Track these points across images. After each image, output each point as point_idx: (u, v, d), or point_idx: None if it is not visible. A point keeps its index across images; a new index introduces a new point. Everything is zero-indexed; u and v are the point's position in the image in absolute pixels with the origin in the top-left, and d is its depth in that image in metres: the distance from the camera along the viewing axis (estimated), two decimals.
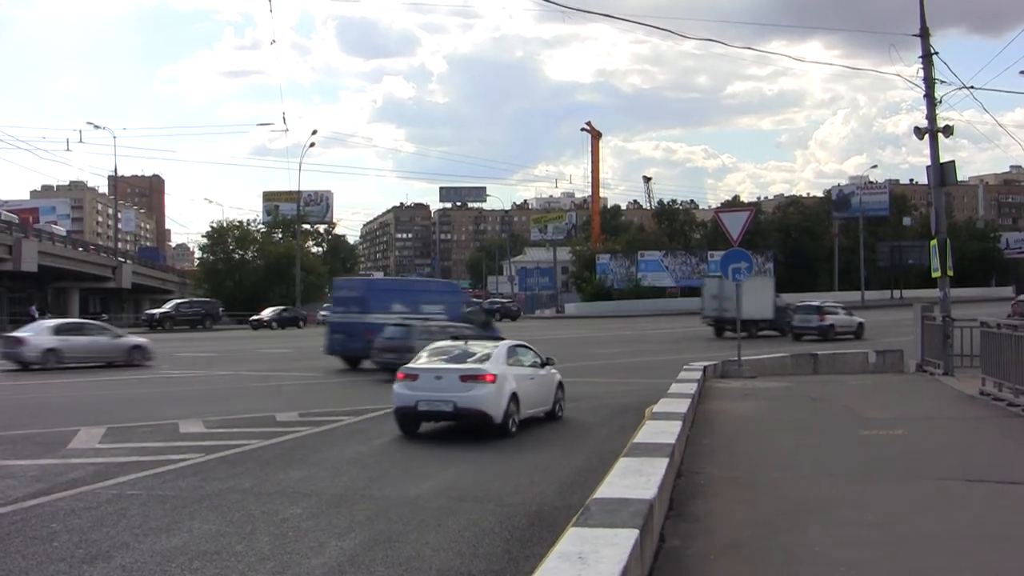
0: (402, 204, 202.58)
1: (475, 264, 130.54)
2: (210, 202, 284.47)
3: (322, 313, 64.30)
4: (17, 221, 59.11)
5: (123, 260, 70.38)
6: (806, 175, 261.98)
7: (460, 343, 13.30)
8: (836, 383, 16.79)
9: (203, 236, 75.35)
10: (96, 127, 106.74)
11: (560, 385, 13.86)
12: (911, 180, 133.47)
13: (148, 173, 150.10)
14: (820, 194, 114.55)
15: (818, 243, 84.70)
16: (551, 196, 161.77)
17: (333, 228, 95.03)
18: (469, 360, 12.32)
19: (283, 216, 79.80)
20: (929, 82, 17.74)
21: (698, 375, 14.74)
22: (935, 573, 5.32)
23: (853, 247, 74.73)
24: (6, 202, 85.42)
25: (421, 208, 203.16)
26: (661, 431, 8.00)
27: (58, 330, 24.65)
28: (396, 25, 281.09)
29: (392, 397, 12.29)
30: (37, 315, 54.41)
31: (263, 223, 79.99)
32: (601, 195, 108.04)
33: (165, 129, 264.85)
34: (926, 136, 17.64)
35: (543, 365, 13.56)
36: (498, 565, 6.14)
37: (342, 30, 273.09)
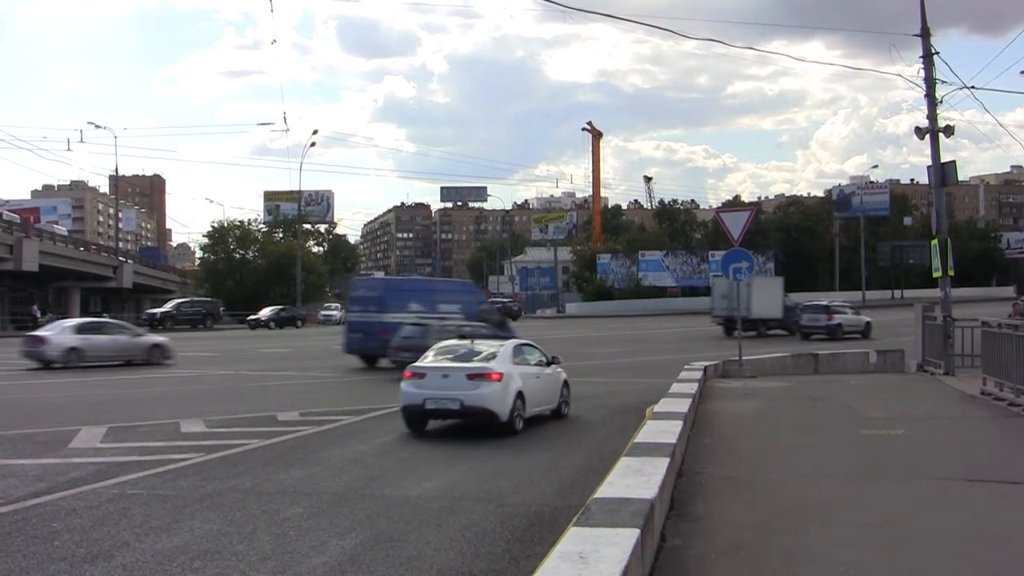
0: (403, 204, 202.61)
1: (476, 264, 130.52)
2: (211, 202, 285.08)
3: (323, 313, 64.66)
4: (19, 221, 59.13)
5: (124, 260, 70.37)
6: (807, 175, 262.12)
7: (466, 342, 13.42)
8: (837, 383, 16.79)
9: (204, 236, 75.54)
10: (97, 127, 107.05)
11: (566, 384, 13.97)
12: (912, 180, 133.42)
13: (149, 173, 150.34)
14: (821, 194, 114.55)
15: (819, 243, 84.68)
16: (552, 196, 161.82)
17: (334, 228, 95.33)
18: (475, 359, 12.45)
19: (284, 216, 79.88)
20: (930, 82, 17.75)
21: (699, 375, 14.74)
22: (935, 573, 5.32)
23: (854, 247, 74.71)
24: (7, 202, 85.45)
25: (422, 208, 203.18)
26: (662, 431, 8.00)
27: (79, 329, 24.99)
28: (397, 25, 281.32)
29: (399, 395, 12.39)
30: (39, 315, 54.50)
31: (264, 223, 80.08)
32: (602, 195, 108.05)
33: (166, 129, 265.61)
34: (927, 136, 17.65)
35: (549, 364, 13.69)
36: (499, 565, 6.15)
37: (343, 30, 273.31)
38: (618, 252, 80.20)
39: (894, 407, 13.36)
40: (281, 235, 77.51)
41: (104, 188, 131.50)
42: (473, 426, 12.43)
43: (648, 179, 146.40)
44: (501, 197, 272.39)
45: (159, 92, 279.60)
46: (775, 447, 10.15)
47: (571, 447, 11.25)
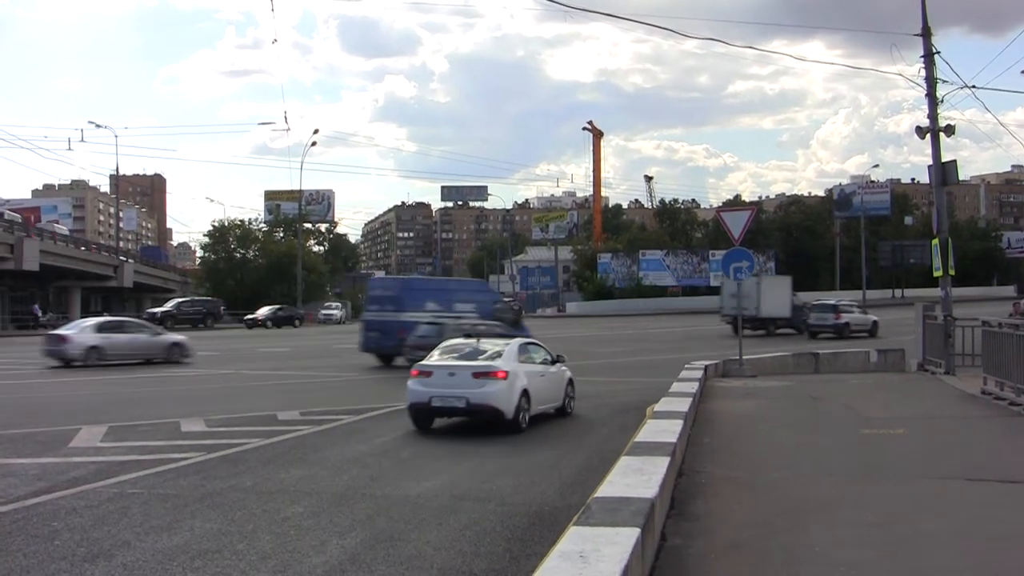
0: (403, 203, 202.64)
1: (476, 263, 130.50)
2: (211, 201, 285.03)
3: (323, 312, 64.66)
4: (20, 220, 59.14)
5: (125, 259, 70.41)
6: (807, 174, 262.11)
7: (472, 340, 13.55)
8: (837, 382, 16.79)
9: (205, 235, 75.58)
10: (97, 126, 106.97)
11: (570, 382, 14.12)
12: (913, 179, 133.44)
13: (150, 172, 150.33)
14: (822, 193, 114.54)
15: (819, 242, 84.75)
16: (552, 195, 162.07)
17: (334, 227, 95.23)
18: (481, 357, 12.57)
19: (284, 215, 79.90)
20: (931, 81, 17.74)
21: (699, 374, 14.74)
22: (935, 573, 5.32)
23: (854, 246, 74.72)
24: (8, 201, 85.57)
25: (422, 207, 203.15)
26: (662, 430, 8.00)
27: (100, 328, 25.32)
28: (397, 24, 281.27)
29: (406, 393, 12.50)
30: (40, 314, 54.57)
31: (264, 222, 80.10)
32: (602, 194, 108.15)
33: (166, 128, 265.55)
34: (928, 135, 17.64)
35: (553, 362, 13.83)
36: (499, 564, 6.15)
37: (343, 29, 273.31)
38: (619, 251, 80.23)
39: (895, 406, 13.36)
40: (282, 234, 77.51)
41: (105, 187, 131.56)
42: (474, 424, 12.47)
43: (649, 178, 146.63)
44: (502, 196, 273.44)
45: (160, 91, 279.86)
46: (775, 446, 10.15)
47: (572, 446, 11.25)
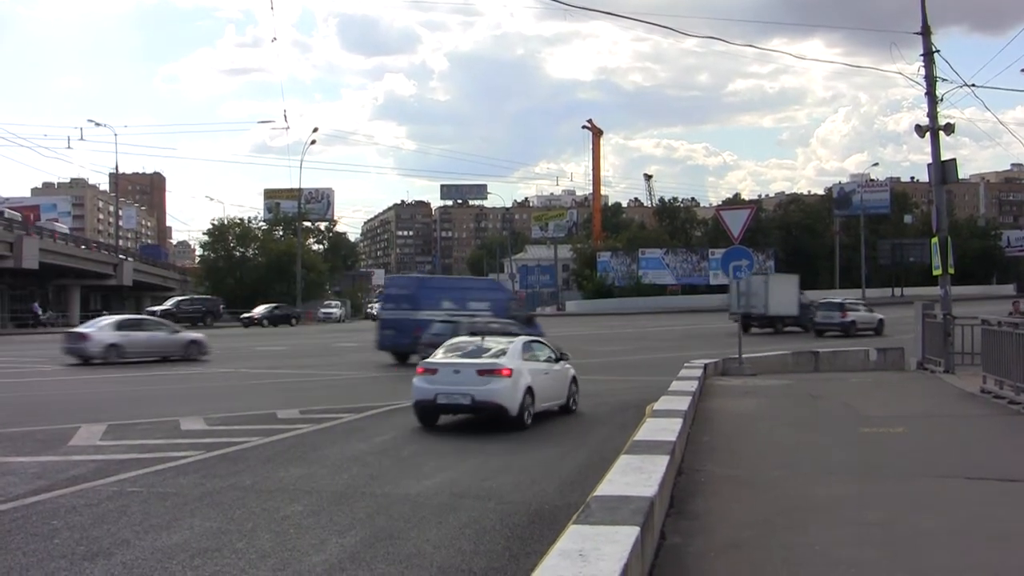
0: (403, 202, 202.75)
1: (476, 262, 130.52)
2: (211, 200, 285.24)
3: (323, 311, 64.61)
4: (20, 219, 59.12)
5: (124, 257, 70.43)
6: (807, 173, 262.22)
7: (477, 339, 13.72)
8: (837, 380, 16.79)
9: (204, 234, 75.48)
10: (97, 125, 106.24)
11: (574, 380, 14.26)
12: (912, 178, 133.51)
13: (149, 171, 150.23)
14: (821, 192, 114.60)
15: (819, 241, 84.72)
16: (552, 194, 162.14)
17: (334, 226, 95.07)
18: (486, 355, 12.72)
19: (284, 213, 79.85)
20: (930, 80, 17.74)
21: (699, 373, 14.75)
22: (935, 572, 5.32)
23: (854, 245, 74.75)
24: (7, 199, 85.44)
25: (422, 206, 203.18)
26: (662, 429, 8.00)
27: (119, 326, 25.61)
28: (397, 23, 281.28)
29: (411, 391, 12.61)
30: (40, 312, 54.54)
31: (264, 220, 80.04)
32: (602, 193, 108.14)
33: (166, 127, 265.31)
34: (927, 134, 17.64)
35: (557, 360, 13.97)
36: (499, 562, 6.14)
37: (343, 27, 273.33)
38: (618, 250, 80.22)
39: (894, 405, 13.37)
40: (281, 233, 77.46)
41: (104, 186, 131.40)
42: (474, 422, 12.52)
43: (648, 177, 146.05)
44: (501, 195, 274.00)
45: (159, 90, 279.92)
46: (775, 445, 10.15)
47: (571, 444, 11.26)
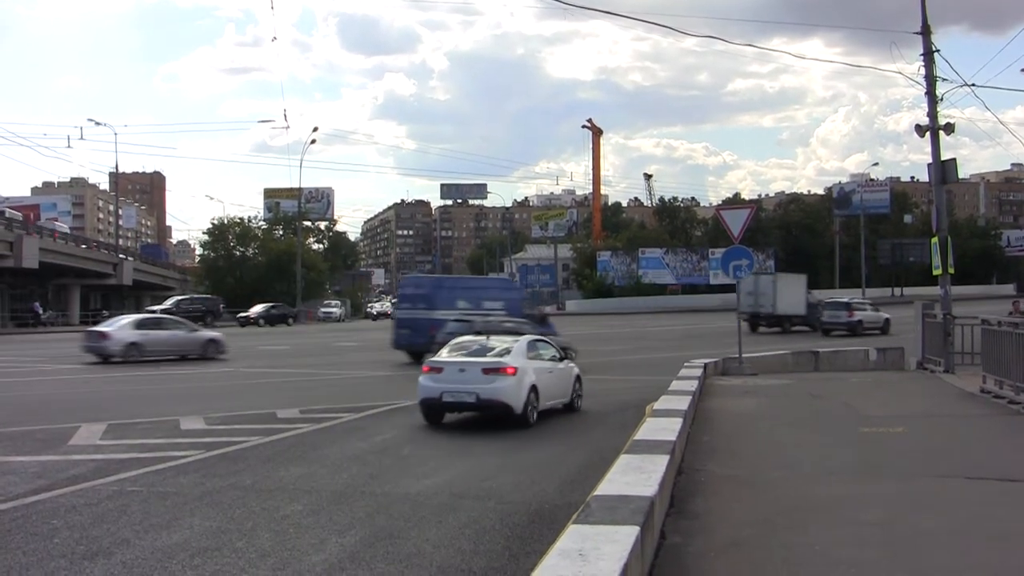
0: (403, 201, 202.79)
1: (476, 261, 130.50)
2: (211, 199, 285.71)
3: (323, 310, 64.59)
4: (20, 218, 59.12)
5: (124, 257, 70.44)
6: (807, 172, 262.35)
7: (481, 338, 13.84)
8: (836, 380, 16.78)
9: (204, 233, 75.45)
10: (97, 124, 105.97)
11: (578, 378, 14.38)
12: (912, 178, 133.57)
13: (149, 170, 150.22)
14: (821, 191, 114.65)
15: (819, 240, 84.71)
16: (552, 193, 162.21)
17: (334, 225, 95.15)
18: (490, 354, 12.83)
19: (284, 213, 79.84)
20: (930, 80, 17.73)
21: (699, 372, 14.75)
22: (935, 572, 5.31)
23: (854, 244, 74.74)
24: (7, 199, 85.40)
25: (422, 205, 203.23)
26: (662, 428, 8.00)
27: (139, 325, 26.01)
28: (397, 22, 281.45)
29: (417, 389, 12.73)
30: (40, 311, 54.52)
31: (264, 220, 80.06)
32: (602, 192, 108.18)
33: (166, 126, 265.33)
34: (927, 134, 17.63)
35: (562, 359, 14.13)
36: (499, 562, 6.14)
37: (343, 27, 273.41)
38: (618, 249, 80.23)
39: (894, 405, 13.36)
40: (281, 232, 77.47)
41: (104, 185, 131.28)
42: (475, 422, 12.55)
43: (648, 176, 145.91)
44: (501, 194, 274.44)
45: (159, 89, 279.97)
46: (775, 445, 10.14)
47: (571, 444, 11.26)
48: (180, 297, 59.05)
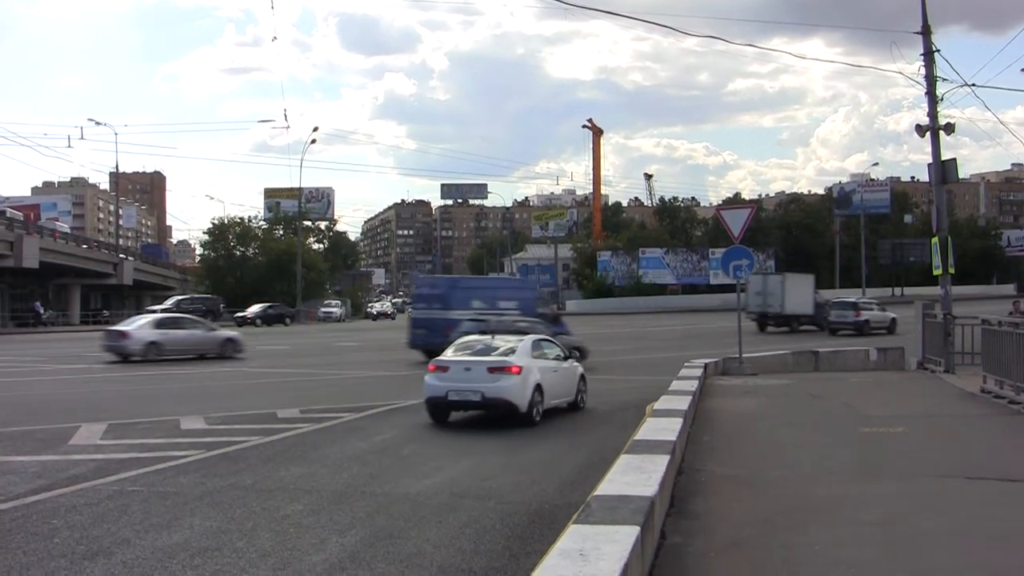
0: (403, 201, 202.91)
1: (476, 261, 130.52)
2: (211, 199, 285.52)
3: (323, 310, 64.57)
4: (21, 218, 59.13)
5: (124, 256, 70.45)
6: (807, 172, 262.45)
7: (486, 337, 14.02)
8: (837, 380, 16.78)
9: (204, 233, 75.41)
10: (97, 124, 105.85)
11: (582, 377, 14.50)
12: (912, 178, 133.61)
13: (149, 170, 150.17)
14: (821, 191, 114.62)
15: (819, 240, 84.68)
16: (552, 193, 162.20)
17: (334, 225, 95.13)
18: (495, 353, 12.93)
19: (284, 213, 79.82)
20: (931, 80, 17.73)
21: (699, 372, 14.75)
22: (935, 571, 5.32)
23: (854, 244, 74.70)
24: (7, 199, 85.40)
25: (422, 205, 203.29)
26: (662, 428, 8.00)
27: (158, 324, 26.20)
28: (397, 22, 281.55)
29: (423, 388, 12.84)
30: (41, 311, 54.51)
31: (264, 220, 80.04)
32: (602, 192, 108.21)
33: (166, 126, 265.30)
34: (927, 134, 17.63)
35: (566, 358, 14.24)
36: (499, 562, 6.14)
37: (343, 27, 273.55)
38: (618, 249, 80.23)
39: (894, 405, 13.36)
40: (281, 232, 77.43)
41: (104, 185, 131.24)
42: (477, 421, 12.55)
43: (648, 176, 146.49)
44: (501, 194, 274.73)
45: (160, 89, 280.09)
46: (775, 445, 10.14)
47: (571, 444, 11.26)
48: (180, 297, 59.07)
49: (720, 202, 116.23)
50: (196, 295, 60.81)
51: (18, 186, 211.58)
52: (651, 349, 30.11)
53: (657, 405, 10.25)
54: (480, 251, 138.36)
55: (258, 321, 52.81)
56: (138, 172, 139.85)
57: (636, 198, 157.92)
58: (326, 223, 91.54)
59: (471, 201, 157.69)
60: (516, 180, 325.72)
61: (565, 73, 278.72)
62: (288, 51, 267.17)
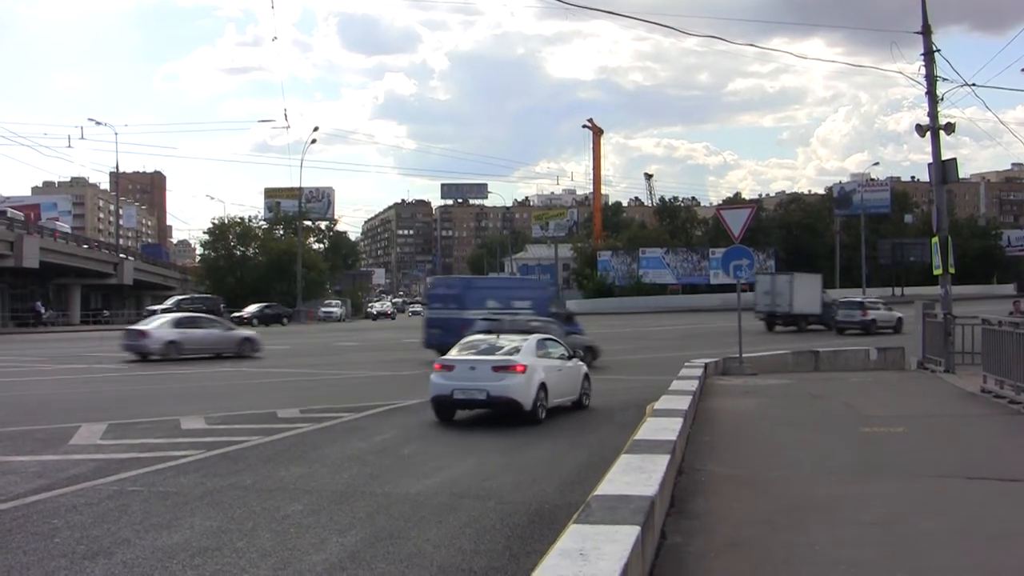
0: (403, 201, 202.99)
1: (477, 261, 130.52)
2: (211, 199, 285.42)
3: (323, 310, 64.57)
4: (22, 218, 59.14)
5: (125, 256, 70.45)
6: (808, 172, 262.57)
7: (491, 336, 14.10)
8: (837, 380, 16.78)
9: (205, 233, 75.38)
10: (98, 123, 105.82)
11: (586, 377, 14.62)
12: (913, 177, 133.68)
13: (149, 170, 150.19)
14: (822, 191, 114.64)
15: (819, 240, 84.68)
16: (552, 193, 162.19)
17: (334, 225, 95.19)
18: (500, 352, 13.04)
19: (284, 213, 79.84)
20: (931, 79, 17.73)
21: (699, 372, 14.75)
22: (935, 571, 5.32)
23: (854, 244, 74.69)
24: (8, 198, 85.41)
25: (422, 205, 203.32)
26: (662, 428, 8.00)
27: (177, 323, 26.44)
28: (398, 22, 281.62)
29: (429, 387, 12.94)
30: (43, 311, 54.50)
31: (264, 220, 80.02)
32: (602, 192, 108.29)
33: (166, 126, 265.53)
34: (928, 133, 17.63)
35: (570, 358, 14.33)
36: (499, 562, 6.14)
37: (344, 26, 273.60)
38: (619, 249, 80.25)
39: (894, 405, 13.36)
40: (282, 232, 77.43)
41: (105, 185, 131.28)
42: (479, 421, 12.57)
43: (649, 176, 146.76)
44: (502, 194, 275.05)
45: (160, 89, 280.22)
46: (775, 444, 10.15)
47: (572, 444, 11.25)
48: (181, 297, 58.94)
49: (720, 202, 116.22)
50: (196, 295, 60.68)
51: (18, 186, 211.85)
52: (651, 349, 30.11)
53: (657, 405, 10.25)
54: (480, 251, 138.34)
55: (255, 321, 52.68)
56: (138, 172, 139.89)
57: (636, 198, 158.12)
58: (326, 223, 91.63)
59: (471, 201, 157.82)
60: (516, 180, 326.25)
61: (565, 73, 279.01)
62: (288, 51, 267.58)
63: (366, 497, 8.16)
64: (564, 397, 13.72)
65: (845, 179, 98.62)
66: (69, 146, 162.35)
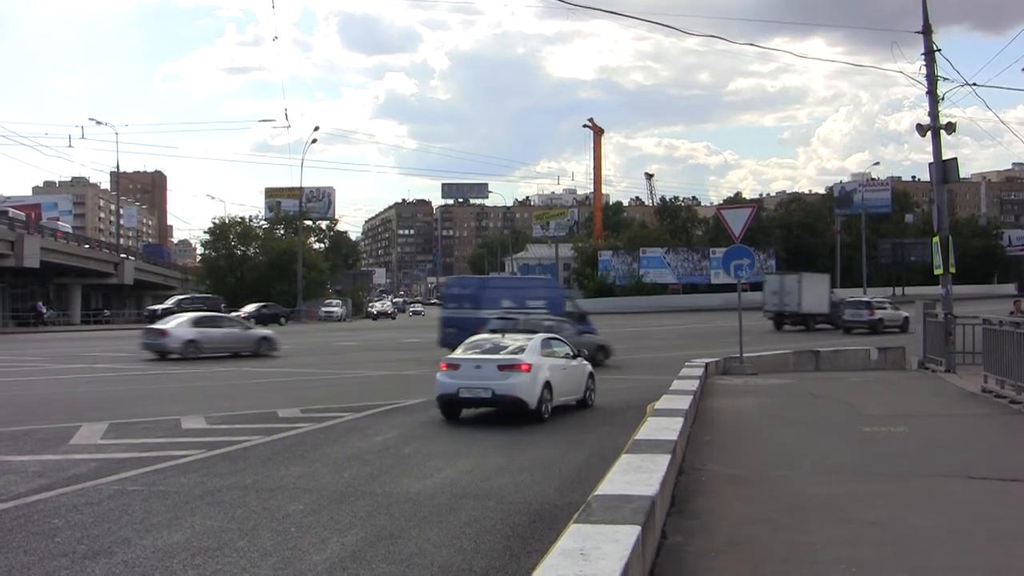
0: (404, 200, 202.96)
1: (477, 260, 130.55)
2: (212, 198, 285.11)
3: (324, 310, 64.60)
4: (23, 218, 59.15)
5: (125, 256, 70.43)
6: (808, 172, 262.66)
7: (496, 336, 14.19)
8: (837, 380, 16.78)
9: (205, 232, 75.35)
10: (98, 123, 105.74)
11: (591, 376, 14.73)
12: (913, 177, 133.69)
13: (150, 169, 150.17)
14: (822, 191, 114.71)
15: (820, 240, 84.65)
16: (553, 193, 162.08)
17: (335, 224, 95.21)
18: (505, 351, 13.11)
19: (285, 212, 79.86)
20: (931, 79, 17.72)
21: (700, 372, 14.75)
22: (936, 571, 5.32)
23: (855, 244, 74.64)
24: (8, 198, 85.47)
25: (423, 204, 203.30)
26: (663, 428, 7.99)
27: (196, 322, 26.60)
28: (398, 21, 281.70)
29: (435, 385, 13.06)
30: (44, 311, 54.49)
31: (265, 219, 79.98)
32: (603, 192, 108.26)
33: (167, 125, 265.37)
34: (928, 133, 17.63)
35: (575, 357, 14.43)
36: (499, 562, 6.14)
37: (344, 26, 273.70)
38: (619, 249, 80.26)
39: (895, 404, 13.36)
40: (282, 232, 77.41)
41: (105, 185, 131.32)
42: (480, 421, 12.59)
43: (649, 176, 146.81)
44: (502, 194, 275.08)
45: (160, 89, 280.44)
46: (776, 444, 10.15)
47: (572, 444, 11.25)
48: (181, 296, 58.98)
49: (721, 202, 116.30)
50: (197, 294, 60.71)
51: (19, 186, 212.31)
52: (652, 348, 30.10)
53: (658, 404, 10.24)
54: (481, 251, 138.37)
55: (252, 321, 52.62)
56: (139, 172, 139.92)
57: (637, 198, 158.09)
58: (327, 223, 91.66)
59: (472, 201, 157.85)
60: (517, 179, 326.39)
61: (566, 73, 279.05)
62: (289, 50, 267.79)
63: (367, 497, 8.17)
64: (569, 396, 13.81)
65: (846, 179, 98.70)
66: (70, 146, 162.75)
